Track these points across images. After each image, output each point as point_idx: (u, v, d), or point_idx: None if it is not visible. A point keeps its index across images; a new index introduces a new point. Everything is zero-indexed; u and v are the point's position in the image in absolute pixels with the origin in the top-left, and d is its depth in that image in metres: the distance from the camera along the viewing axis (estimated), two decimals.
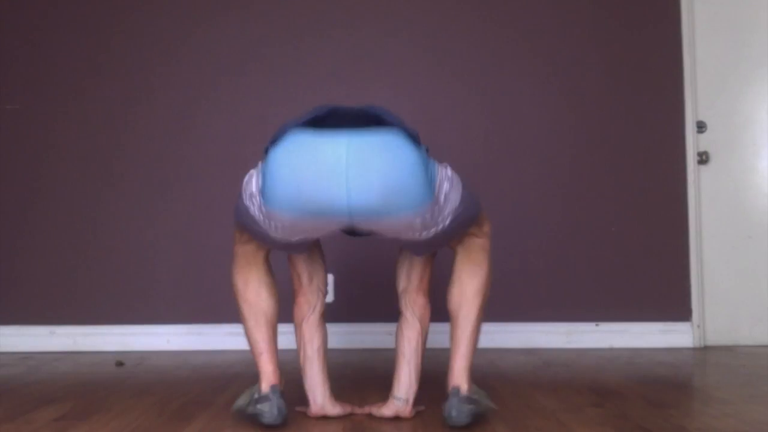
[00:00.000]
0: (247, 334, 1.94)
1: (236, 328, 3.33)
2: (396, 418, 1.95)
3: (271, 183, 1.65)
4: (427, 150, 1.79)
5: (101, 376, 2.65)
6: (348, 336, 3.30)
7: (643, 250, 3.34)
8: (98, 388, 2.42)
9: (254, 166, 3.37)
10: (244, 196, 1.78)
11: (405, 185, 1.62)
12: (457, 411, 1.80)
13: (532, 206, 3.36)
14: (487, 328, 3.31)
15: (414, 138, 1.69)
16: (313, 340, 2.01)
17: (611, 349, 3.25)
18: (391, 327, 3.19)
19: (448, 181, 1.74)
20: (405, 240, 1.79)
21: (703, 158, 3.39)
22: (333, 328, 3.31)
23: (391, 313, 3.28)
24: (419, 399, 2.15)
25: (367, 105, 1.76)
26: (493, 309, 3.32)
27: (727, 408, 2.04)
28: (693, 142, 3.37)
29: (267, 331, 1.91)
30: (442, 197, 1.71)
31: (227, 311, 3.34)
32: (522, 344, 3.31)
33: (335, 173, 1.60)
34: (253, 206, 1.74)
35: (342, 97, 3.40)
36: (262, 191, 1.69)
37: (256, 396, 1.86)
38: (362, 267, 3.35)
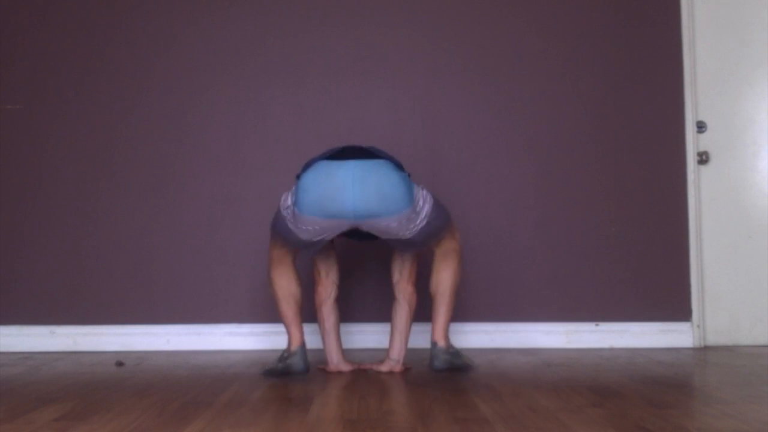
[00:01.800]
0: (280, 311, 2.62)
1: (236, 328, 3.33)
2: (390, 373, 2.66)
3: (302, 195, 2.39)
4: (409, 175, 2.52)
5: (101, 376, 2.65)
6: (348, 336, 3.30)
7: (643, 250, 3.34)
8: (98, 388, 2.42)
9: (252, 163, 3.38)
10: (282, 210, 2.49)
11: (392, 196, 2.38)
12: (438, 360, 2.51)
13: (532, 206, 3.36)
14: (487, 327, 3.32)
15: (399, 166, 2.45)
16: (330, 318, 2.74)
17: (611, 349, 3.25)
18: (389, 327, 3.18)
19: (422, 198, 2.48)
20: (395, 240, 2.52)
21: (703, 158, 3.39)
22: None
23: (390, 314, 3.28)
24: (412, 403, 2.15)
25: (369, 146, 2.52)
26: (493, 309, 3.32)
27: (727, 408, 2.04)
28: (693, 142, 3.37)
29: (294, 307, 2.61)
30: (418, 206, 2.45)
31: (227, 311, 3.34)
32: (522, 344, 3.31)
33: (345, 188, 2.35)
34: (288, 215, 2.46)
35: (342, 96, 3.40)
36: (295, 202, 2.42)
37: (285, 355, 2.56)
38: (362, 269, 3.35)
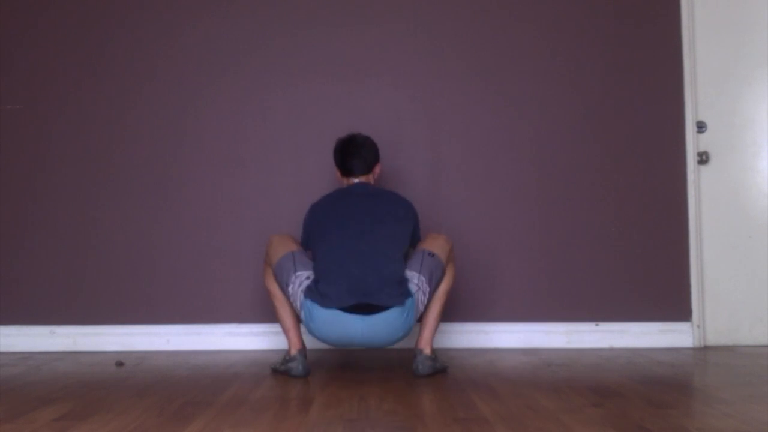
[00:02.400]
0: (278, 317, 2.74)
1: (236, 328, 3.33)
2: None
3: (313, 332, 2.57)
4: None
5: (101, 376, 2.65)
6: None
7: (643, 250, 3.34)
8: (98, 388, 2.42)
9: (252, 164, 3.37)
10: (288, 283, 2.63)
11: (397, 339, 2.60)
12: (422, 365, 2.63)
13: (532, 205, 3.36)
14: (487, 327, 3.32)
15: (406, 292, 2.56)
16: None
17: (611, 349, 3.25)
18: None
19: (421, 303, 2.61)
20: None
21: (703, 158, 3.38)
22: None
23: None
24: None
25: (378, 284, 2.52)
26: (493, 309, 3.32)
27: (727, 408, 2.04)
28: (693, 142, 3.37)
29: (291, 314, 2.71)
30: (418, 314, 2.63)
31: (227, 311, 3.34)
32: (522, 344, 3.31)
33: (355, 340, 2.55)
34: (294, 299, 2.63)
35: (342, 96, 3.40)
36: (306, 325, 2.59)
37: (287, 358, 2.68)
38: None
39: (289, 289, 2.61)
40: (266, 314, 3.29)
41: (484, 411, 2.03)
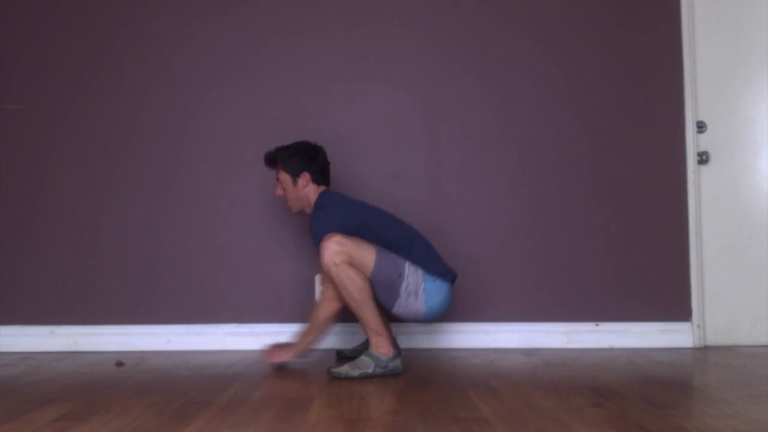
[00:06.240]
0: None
1: (236, 328, 3.33)
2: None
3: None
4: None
5: (101, 376, 2.65)
6: (348, 336, 3.30)
7: (643, 250, 3.34)
8: (98, 388, 2.42)
9: (252, 165, 3.37)
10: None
11: None
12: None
13: (532, 206, 3.36)
14: (488, 327, 3.32)
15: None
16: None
17: (611, 349, 3.25)
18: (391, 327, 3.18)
19: None
20: None
21: (703, 158, 3.39)
22: (333, 328, 3.31)
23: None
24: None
25: None
26: (493, 309, 3.32)
27: (727, 408, 2.04)
28: (693, 142, 3.37)
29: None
30: None
31: (227, 311, 3.34)
32: (522, 344, 3.31)
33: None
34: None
35: (342, 96, 3.40)
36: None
37: (389, 358, 2.63)
38: None
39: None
40: (266, 314, 3.29)
41: (484, 411, 2.03)
